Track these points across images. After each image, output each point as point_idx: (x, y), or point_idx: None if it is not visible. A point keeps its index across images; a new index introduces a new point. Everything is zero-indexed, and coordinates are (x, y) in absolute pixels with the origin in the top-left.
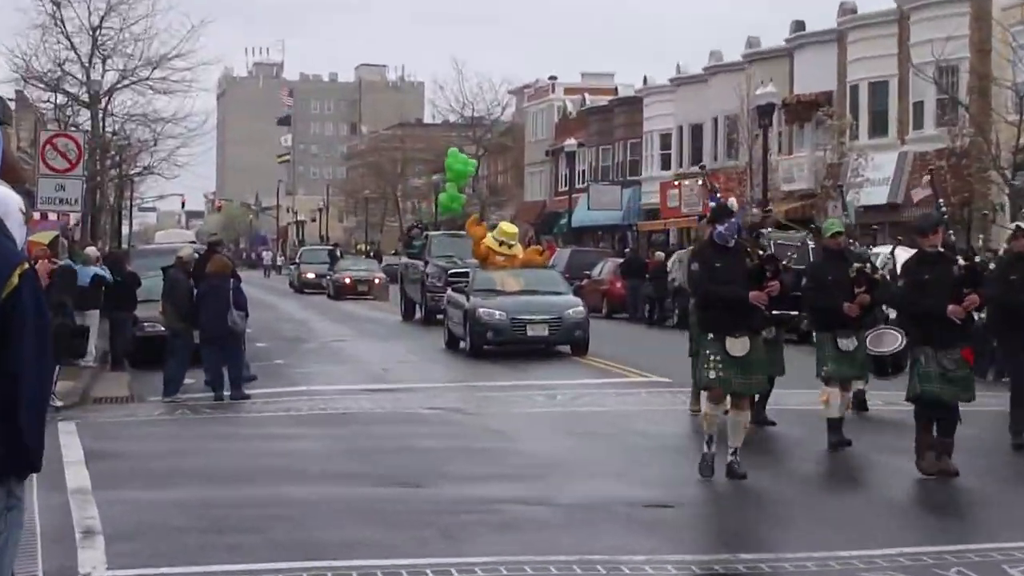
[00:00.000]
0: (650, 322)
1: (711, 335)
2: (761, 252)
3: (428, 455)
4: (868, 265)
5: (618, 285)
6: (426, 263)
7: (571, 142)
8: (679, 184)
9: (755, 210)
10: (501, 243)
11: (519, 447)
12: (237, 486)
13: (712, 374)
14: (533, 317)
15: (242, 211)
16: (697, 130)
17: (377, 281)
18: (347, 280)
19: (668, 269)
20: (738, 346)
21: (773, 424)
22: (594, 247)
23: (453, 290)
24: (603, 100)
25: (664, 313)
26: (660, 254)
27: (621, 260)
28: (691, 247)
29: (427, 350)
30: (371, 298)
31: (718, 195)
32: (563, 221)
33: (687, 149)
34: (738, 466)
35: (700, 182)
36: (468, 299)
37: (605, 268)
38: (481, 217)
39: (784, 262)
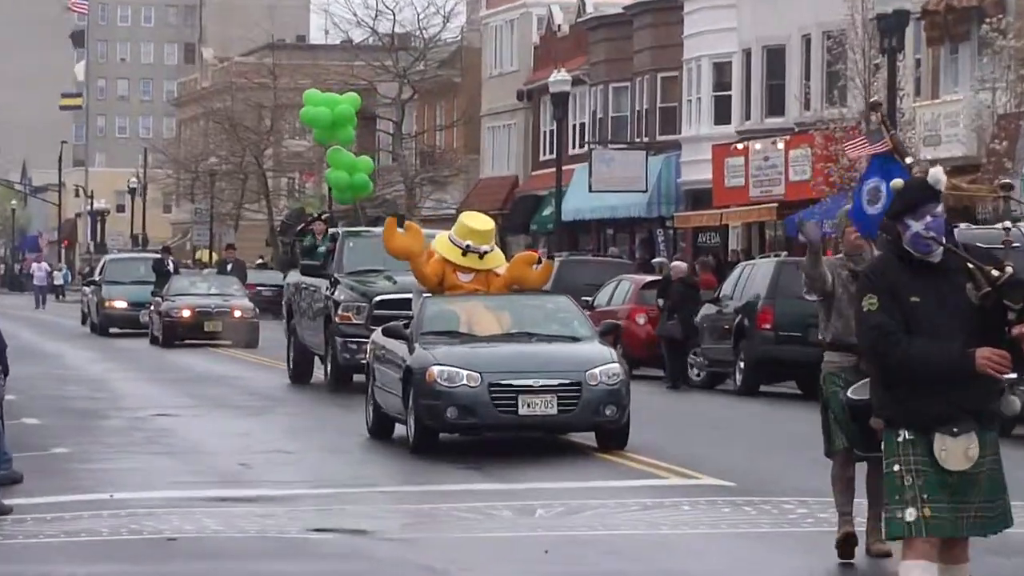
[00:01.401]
0: (699, 384)
1: (905, 433)
2: (996, 273)
3: None
4: None
5: (640, 320)
6: (333, 283)
7: (560, 76)
8: (746, 148)
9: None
10: (465, 250)
11: None
12: None
13: (910, 511)
14: (529, 383)
15: None
16: (776, 56)
17: (239, 314)
18: (185, 313)
19: (720, 295)
20: (959, 452)
21: None
22: (598, 254)
23: (385, 332)
24: (615, 5)
25: (723, 370)
26: (709, 260)
27: (649, 278)
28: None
29: (326, 435)
30: (227, 343)
31: (908, 163)
32: (546, 211)
33: (759, 88)
34: None
35: (875, 134)
36: (411, 349)
37: (620, 291)
38: (400, 218)
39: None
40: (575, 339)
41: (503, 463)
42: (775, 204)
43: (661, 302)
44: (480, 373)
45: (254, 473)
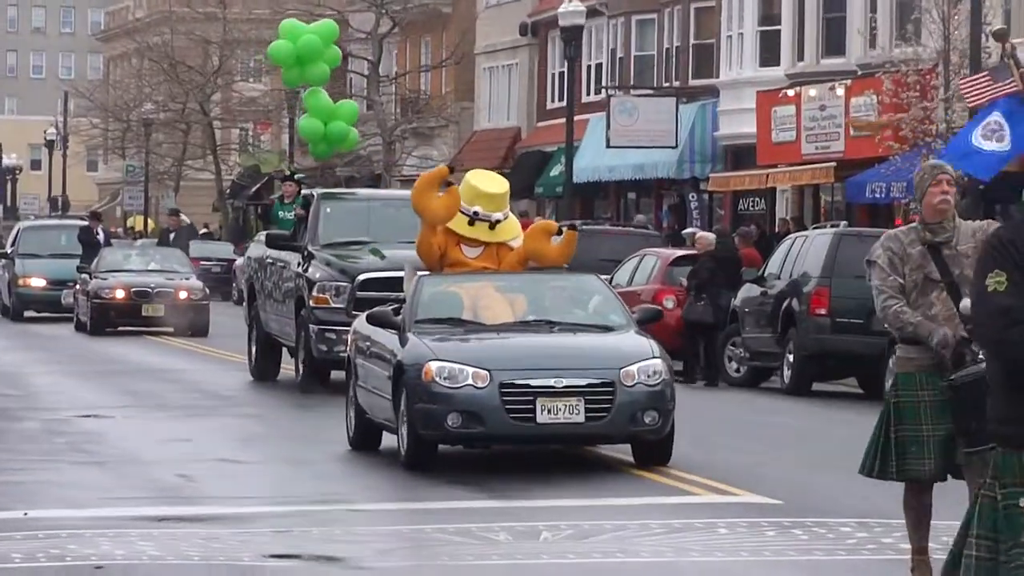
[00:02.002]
0: (739, 381)
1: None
2: None
3: None
4: None
5: (669, 304)
6: (306, 258)
7: (572, 6)
8: (798, 95)
9: None
10: (473, 218)
11: None
12: None
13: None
14: (549, 383)
15: None
16: None
17: (185, 295)
18: (119, 293)
19: (764, 274)
20: None
21: None
22: (617, 223)
23: (370, 319)
24: None
25: (768, 365)
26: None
27: (679, 252)
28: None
29: (287, 443)
30: (170, 330)
31: None
32: (555, 171)
33: (814, 22)
34: None
35: (1000, 71)
36: (404, 340)
37: (643, 268)
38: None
39: None
40: (607, 328)
41: (501, 475)
42: (832, 163)
43: (686, 281)
44: (489, 371)
45: (198, 487)
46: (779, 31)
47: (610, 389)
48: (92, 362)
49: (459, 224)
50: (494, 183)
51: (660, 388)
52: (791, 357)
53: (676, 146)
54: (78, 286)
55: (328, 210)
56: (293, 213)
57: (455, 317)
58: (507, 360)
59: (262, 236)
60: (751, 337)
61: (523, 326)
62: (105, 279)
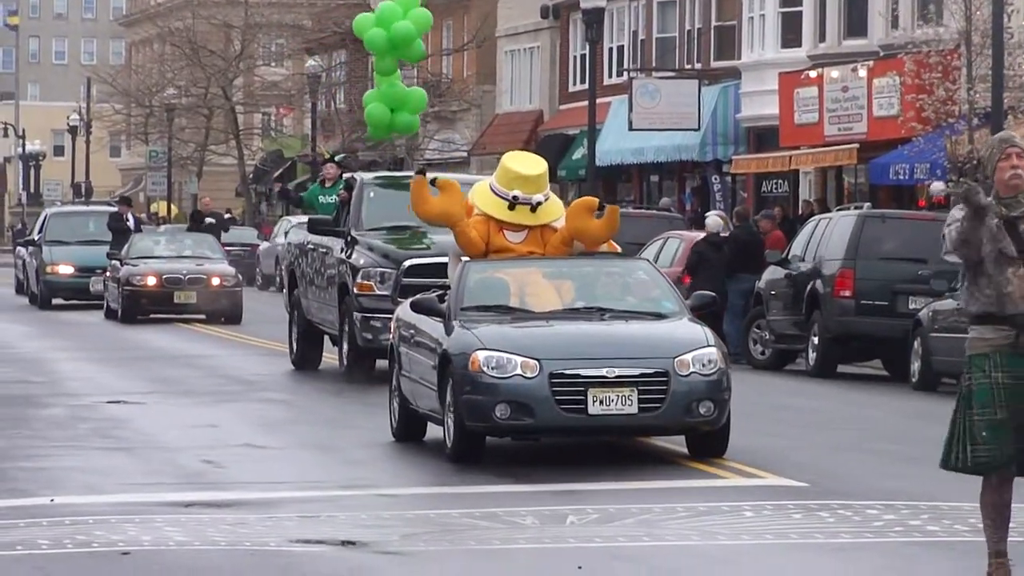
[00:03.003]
0: (764, 363)
1: None
2: None
3: None
4: None
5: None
6: (349, 243)
7: None
8: (821, 76)
9: None
10: (513, 202)
11: None
12: None
13: None
14: (601, 373)
15: None
16: None
17: (218, 282)
18: (150, 280)
19: (788, 255)
20: None
21: None
22: (640, 206)
23: (414, 306)
24: None
25: (793, 347)
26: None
27: (703, 234)
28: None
29: (313, 428)
30: (202, 317)
31: None
32: (577, 154)
33: (835, 4)
34: None
35: None
36: (449, 329)
37: (667, 251)
38: (423, 171)
39: None
40: (659, 316)
41: (526, 460)
42: (855, 145)
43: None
44: (538, 360)
45: (225, 472)
46: (801, 12)
47: (664, 379)
48: (119, 349)
49: (499, 210)
50: (532, 164)
51: (716, 377)
52: (816, 339)
53: (699, 128)
54: (108, 273)
55: (372, 194)
56: (335, 197)
57: (502, 304)
58: (557, 349)
59: (290, 221)
60: (776, 319)
61: (572, 313)
62: (136, 266)
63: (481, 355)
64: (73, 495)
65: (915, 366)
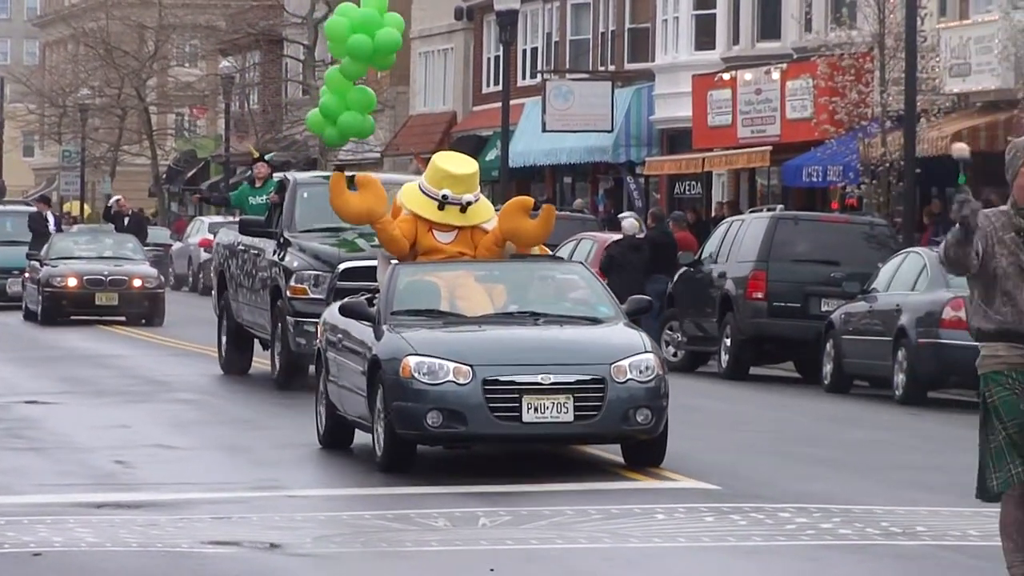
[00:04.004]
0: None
1: None
2: None
3: None
4: None
5: None
6: (282, 245)
7: None
8: (734, 78)
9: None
10: (443, 202)
11: None
12: None
13: None
14: (536, 379)
15: None
16: None
17: (139, 283)
18: (71, 281)
19: (701, 256)
20: None
21: None
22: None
23: (343, 310)
24: None
25: (705, 349)
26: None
27: (615, 236)
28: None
29: (226, 428)
30: (121, 319)
31: None
32: (491, 155)
33: (750, 5)
34: None
35: None
36: (379, 334)
37: (579, 253)
38: (341, 169)
39: None
40: (595, 321)
41: (437, 462)
42: (768, 147)
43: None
44: (471, 366)
45: (136, 473)
46: (714, 15)
47: (600, 386)
48: (33, 349)
49: (429, 209)
50: (462, 164)
51: (653, 384)
52: (728, 341)
53: (612, 130)
54: (27, 274)
55: (305, 195)
56: (265, 197)
57: (433, 308)
58: (490, 355)
59: (203, 221)
60: (688, 321)
61: (506, 318)
62: (56, 266)
63: (412, 360)
64: None
65: (827, 368)
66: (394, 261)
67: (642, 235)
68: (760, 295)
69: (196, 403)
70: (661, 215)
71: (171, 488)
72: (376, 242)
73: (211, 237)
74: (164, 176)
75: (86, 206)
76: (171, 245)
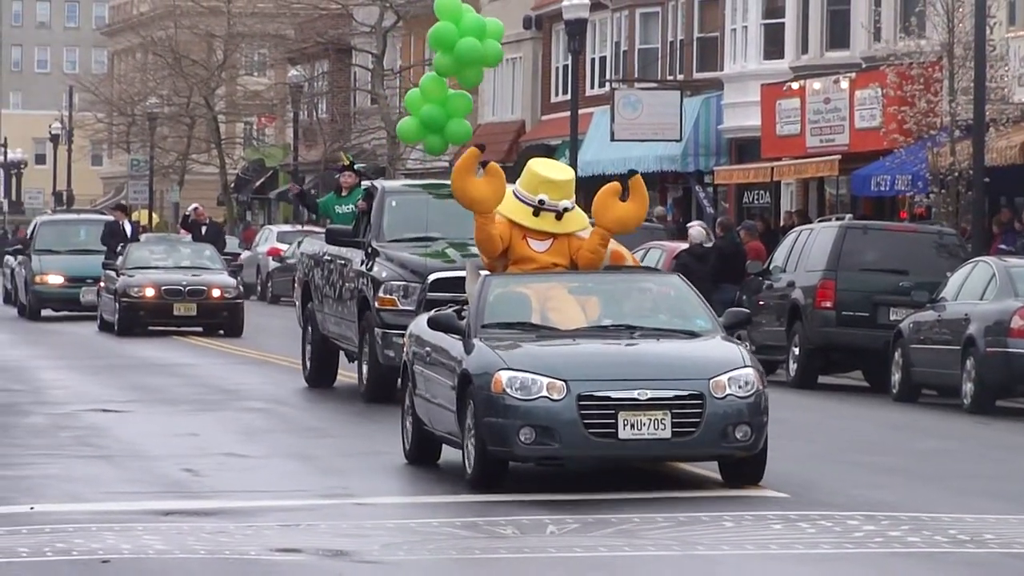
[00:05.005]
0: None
1: None
2: None
3: None
4: None
5: None
6: (370, 255)
7: (576, 0)
8: (803, 88)
9: None
10: (538, 208)
11: None
12: None
13: None
14: (633, 395)
15: None
16: None
17: (218, 293)
18: (148, 291)
19: (769, 267)
20: None
21: None
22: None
23: (431, 323)
24: None
25: (774, 358)
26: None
27: (684, 245)
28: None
29: (296, 437)
30: (198, 330)
31: None
32: (560, 161)
33: (819, 15)
34: None
35: None
36: (469, 347)
37: (648, 262)
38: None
39: None
40: (693, 334)
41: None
42: (837, 156)
43: None
44: (565, 381)
45: (204, 481)
46: (783, 24)
47: (699, 401)
48: (114, 361)
49: (524, 215)
50: (559, 169)
51: (753, 400)
52: (797, 350)
53: (680, 139)
54: (103, 283)
55: (393, 203)
56: (352, 206)
57: (525, 321)
58: (585, 369)
59: (272, 230)
60: (757, 330)
61: (600, 331)
62: (133, 276)
63: (504, 375)
64: (53, 503)
65: (895, 377)
66: (484, 272)
67: (710, 244)
68: (829, 304)
69: (267, 412)
70: (729, 224)
71: (239, 496)
72: (467, 251)
73: (280, 246)
74: (232, 185)
75: (154, 215)
76: (240, 254)
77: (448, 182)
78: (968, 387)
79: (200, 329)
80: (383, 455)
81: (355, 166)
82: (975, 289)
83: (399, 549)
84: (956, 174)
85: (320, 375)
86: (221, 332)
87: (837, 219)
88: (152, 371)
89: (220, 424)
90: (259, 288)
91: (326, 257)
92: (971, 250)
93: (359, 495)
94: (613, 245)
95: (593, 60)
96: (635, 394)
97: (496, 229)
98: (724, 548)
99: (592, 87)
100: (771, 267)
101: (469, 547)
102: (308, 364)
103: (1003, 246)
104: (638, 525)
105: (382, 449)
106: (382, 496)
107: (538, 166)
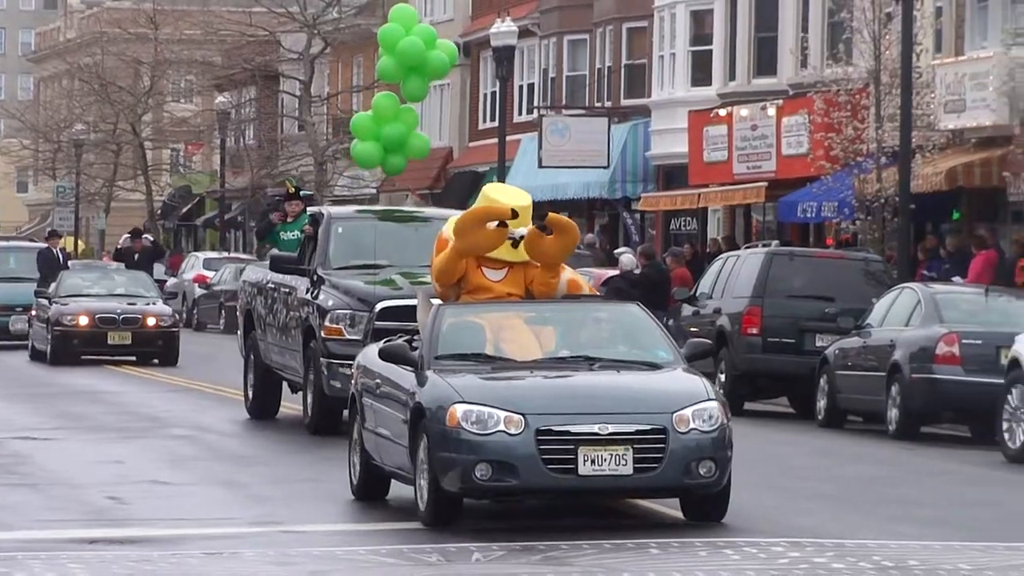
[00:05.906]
0: None
1: None
2: None
3: None
4: None
5: None
6: (316, 283)
7: (504, 26)
8: (730, 114)
9: None
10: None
11: None
12: None
13: None
14: (593, 429)
15: None
16: (767, 3)
17: (154, 322)
18: (82, 320)
19: (696, 293)
20: None
21: None
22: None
23: (382, 354)
24: None
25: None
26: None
27: (610, 272)
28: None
29: (224, 464)
30: (131, 358)
31: None
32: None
33: (746, 42)
34: None
35: None
36: (422, 379)
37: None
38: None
39: None
40: (653, 366)
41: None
42: (764, 183)
43: None
44: (523, 415)
45: (127, 508)
46: (711, 51)
47: (662, 436)
48: (42, 393)
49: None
50: (516, 196)
51: (717, 434)
52: (723, 376)
53: (608, 166)
54: (35, 312)
55: (340, 230)
56: (297, 232)
57: (480, 352)
58: (543, 403)
59: (197, 257)
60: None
61: (558, 363)
62: (66, 304)
63: (460, 409)
64: None
65: (821, 403)
66: (436, 301)
67: (639, 271)
68: (755, 331)
69: (194, 439)
70: (651, 253)
71: (164, 524)
72: (416, 279)
73: (206, 273)
74: (159, 212)
75: (80, 242)
76: (166, 281)
77: (398, 208)
78: (893, 413)
79: (134, 358)
80: (314, 483)
81: (301, 192)
82: (900, 315)
83: None
84: (882, 201)
85: (263, 406)
86: (155, 361)
87: (764, 245)
88: (80, 399)
89: (146, 452)
90: (184, 315)
91: (270, 285)
92: (896, 277)
93: (286, 523)
94: (570, 274)
95: (521, 87)
96: (595, 428)
97: (461, 264)
98: (650, 575)
99: (520, 114)
100: (698, 293)
101: (394, 575)
102: (250, 394)
103: (928, 272)
104: (565, 552)
105: (314, 477)
106: (309, 524)
107: (495, 192)
